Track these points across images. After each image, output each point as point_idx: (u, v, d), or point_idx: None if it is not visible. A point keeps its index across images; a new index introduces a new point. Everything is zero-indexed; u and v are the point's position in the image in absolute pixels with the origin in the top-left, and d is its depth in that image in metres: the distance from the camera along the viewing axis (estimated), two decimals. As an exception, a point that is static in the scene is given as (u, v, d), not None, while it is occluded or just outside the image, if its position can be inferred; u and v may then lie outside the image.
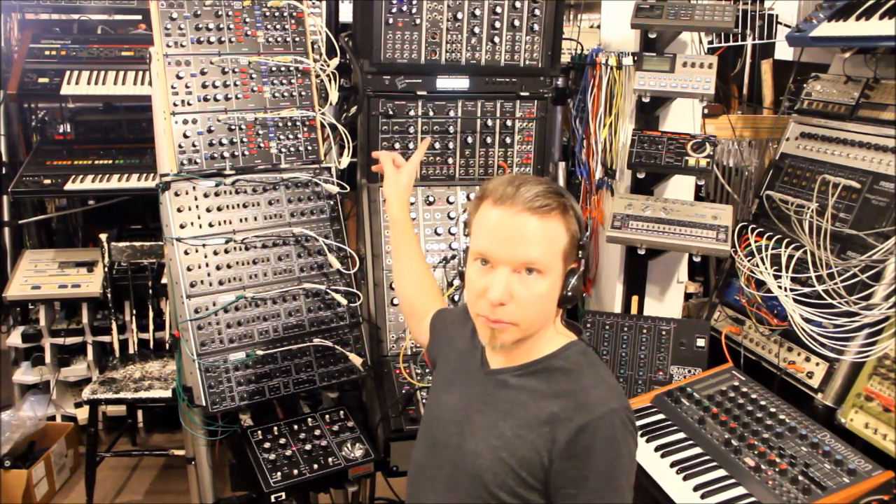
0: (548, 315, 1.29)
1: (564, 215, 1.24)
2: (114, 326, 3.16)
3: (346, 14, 2.65)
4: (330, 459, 1.97)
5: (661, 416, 2.03)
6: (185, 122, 2.07)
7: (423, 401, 2.07)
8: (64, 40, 3.38)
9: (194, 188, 2.09)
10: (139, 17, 3.65)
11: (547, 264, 1.22)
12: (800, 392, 2.04)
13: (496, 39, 2.31)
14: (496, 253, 1.22)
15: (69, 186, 3.19)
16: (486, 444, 1.28)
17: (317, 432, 2.05)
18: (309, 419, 2.10)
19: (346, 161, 2.29)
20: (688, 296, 2.77)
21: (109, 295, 3.07)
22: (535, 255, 1.21)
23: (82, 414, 3.31)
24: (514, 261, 1.21)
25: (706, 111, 2.58)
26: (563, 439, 1.20)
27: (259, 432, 2.03)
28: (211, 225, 2.09)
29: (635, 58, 2.35)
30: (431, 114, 2.33)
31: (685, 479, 1.77)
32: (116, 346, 3.17)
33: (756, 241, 2.21)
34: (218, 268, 2.08)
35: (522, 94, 2.37)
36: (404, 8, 2.23)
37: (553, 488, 1.22)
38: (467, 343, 1.45)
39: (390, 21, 2.23)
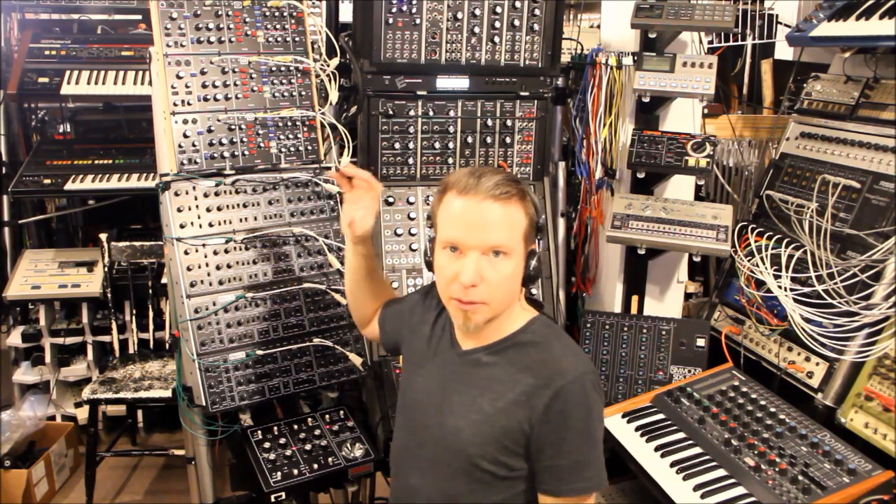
0: (514, 294, 1.39)
1: (523, 201, 1.35)
2: (114, 326, 3.17)
3: (346, 14, 2.65)
4: (330, 459, 1.97)
5: (661, 416, 2.03)
6: (185, 121, 2.07)
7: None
8: (64, 40, 3.39)
9: (194, 188, 2.08)
10: (139, 17, 3.66)
11: (511, 247, 1.32)
12: (800, 392, 2.04)
13: (496, 39, 2.31)
14: (465, 239, 1.31)
15: (69, 186, 3.19)
16: (466, 420, 1.37)
17: (317, 432, 2.05)
18: (309, 419, 2.10)
19: (345, 161, 2.28)
20: (688, 296, 2.77)
21: (109, 295, 3.07)
22: (501, 238, 1.31)
23: (82, 414, 3.31)
24: (482, 245, 1.31)
25: (706, 111, 2.58)
26: (541, 405, 1.32)
27: (259, 432, 2.03)
28: (211, 225, 2.09)
29: (635, 58, 2.35)
30: (431, 114, 2.33)
31: (685, 478, 1.77)
32: (116, 345, 3.18)
33: (756, 241, 2.21)
34: (218, 268, 2.08)
35: (522, 93, 2.37)
36: (404, 8, 2.23)
37: (535, 450, 1.34)
38: (432, 328, 1.53)
39: (390, 21, 2.23)
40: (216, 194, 2.11)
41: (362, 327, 1.84)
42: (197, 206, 2.08)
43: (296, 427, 2.07)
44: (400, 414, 1.54)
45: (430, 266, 1.46)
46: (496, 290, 1.33)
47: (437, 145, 2.36)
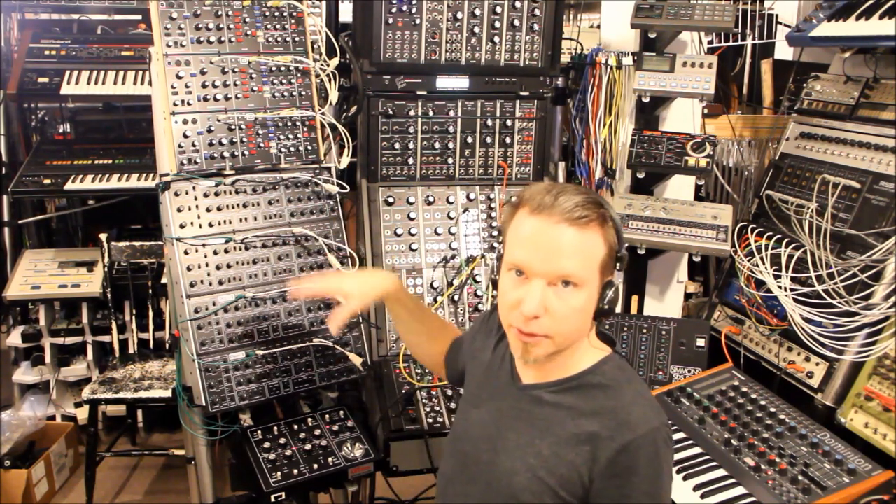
0: (583, 329, 1.26)
1: (603, 226, 1.20)
2: (114, 326, 3.16)
3: (346, 14, 2.65)
4: (330, 459, 1.97)
5: (661, 416, 2.03)
6: (185, 121, 2.07)
7: (423, 400, 2.07)
8: (64, 40, 3.38)
9: (194, 188, 2.08)
10: (139, 17, 3.65)
11: (583, 278, 1.18)
12: (800, 392, 2.04)
13: (496, 39, 2.31)
14: (532, 265, 1.18)
15: (69, 186, 3.19)
16: (522, 463, 1.26)
17: (317, 432, 2.05)
18: (309, 419, 2.10)
19: (346, 161, 2.28)
20: (688, 296, 2.78)
21: (109, 295, 3.07)
22: (572, 268, 1.17)
23: (82, 414, 3.31)
24: (550, 273, 1.17)
25: (706, 111, 2.58)
26: (604, 458, 1.19)
27: (259, 432, 2.03)
28: (211, 225, 2.09)
29: (635, 58, 2.35)
30: (431, 114, 2.33)
31: (685, 479, 1.77)
32: (116, 345, 3.17)
33: (756, 241, 2.21)
34: (218, 268, 2.07)
35: (522, 93, 2.37)
36: (404, 8, 2.23)
37: None
38: (491, 355, 1.43)
39: (390, 21, 2.23)
40: (216, 194, 2.11)
41: (436, 372, 1.74)
42: (197, 207, 2.08)
43: (296, 427, 2.06)
44: (450, 441, 1.45)
45: (494, 285, 1.34)
46: (562, 324, 1.19)
47: (437, 145, 2.36)
